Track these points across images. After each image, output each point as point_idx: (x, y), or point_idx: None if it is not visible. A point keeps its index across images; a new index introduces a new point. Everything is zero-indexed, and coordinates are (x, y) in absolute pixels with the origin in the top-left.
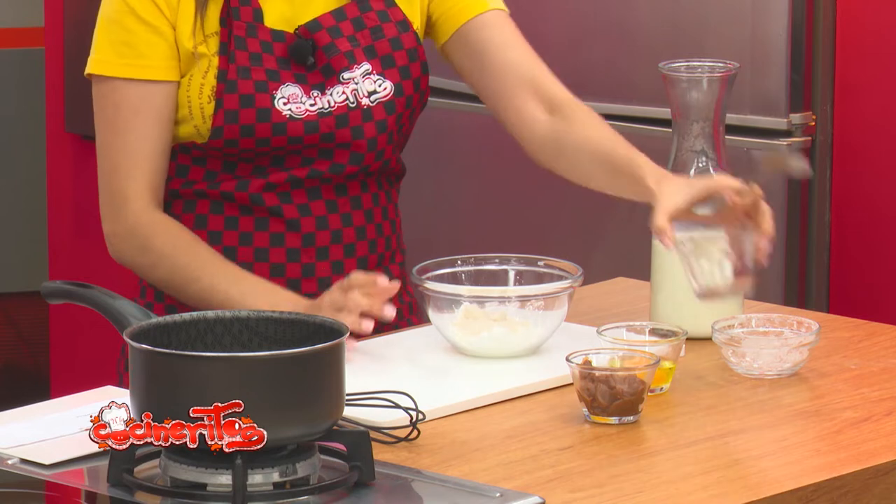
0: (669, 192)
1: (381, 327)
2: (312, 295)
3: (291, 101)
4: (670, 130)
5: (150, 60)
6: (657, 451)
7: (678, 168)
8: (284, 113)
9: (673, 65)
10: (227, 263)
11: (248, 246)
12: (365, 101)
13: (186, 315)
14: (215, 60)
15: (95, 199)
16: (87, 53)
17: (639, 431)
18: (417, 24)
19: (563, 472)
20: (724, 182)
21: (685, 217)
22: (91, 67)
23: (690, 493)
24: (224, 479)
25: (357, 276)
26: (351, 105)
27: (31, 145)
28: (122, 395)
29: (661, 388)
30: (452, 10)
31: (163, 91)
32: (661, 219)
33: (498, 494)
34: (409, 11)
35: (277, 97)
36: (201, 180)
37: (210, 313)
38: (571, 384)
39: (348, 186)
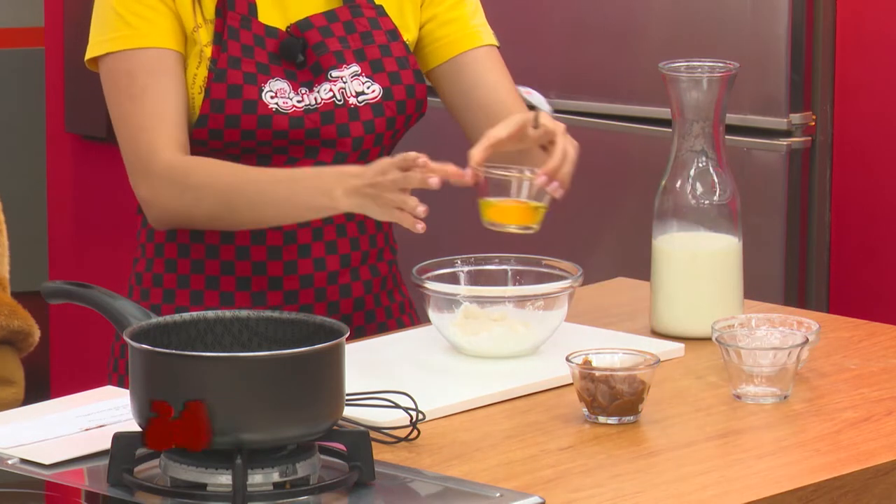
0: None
1: (380, 327)
2: (295, 293)
3: (279, 95)
4: (670, 130)
5: (159, 29)
6: (657, 451)
7: (678, 168)
8: (271, 106)
9: (673, 65)
10: (266, 169)
11: (229, 244)
12: (352, 101)
13: (186, 315)
14: (207, 51)
15: (95, 200)
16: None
17: (639, 431)
18: (410, 36)
19: (563, 472)
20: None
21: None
22: (96, 50)
23: (690, 493)
24: (224, 479)
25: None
26: (338, 102)
27: (31, 145)
28: (123, 395)
29: (529, 229)
30: (445, 39)
31: (173, 56)
32: (476, 149)
33: (498, 494)
34: (401, 23)
35: (265, 90)
36: None
37: (210, 313)
38: (571, 384)
39: None
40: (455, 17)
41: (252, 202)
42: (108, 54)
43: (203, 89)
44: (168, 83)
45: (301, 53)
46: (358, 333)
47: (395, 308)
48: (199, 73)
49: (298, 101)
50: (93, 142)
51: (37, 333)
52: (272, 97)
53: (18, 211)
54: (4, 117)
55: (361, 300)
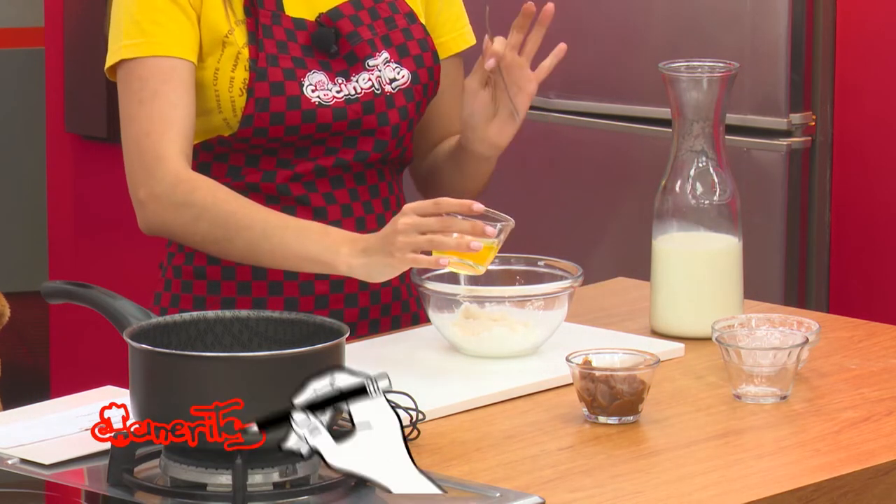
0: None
1: (414, 318)
2: (341, 282)
3: (319, 87)
4: (670, 130)
5: (176, 39)
6: (657, 451)
7: (678, 168)
8: (313, 100)
9: (673, 65)
10: (273, 211)
11: None
12: (388, 88)
13: (186, 315)
14: (245, 52)
15: (95, 200)
16: (88, 53)
17: (639, 431)
18: (423, 20)
19: (563, 472)
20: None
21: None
22: (117, 55)
23: (690, 493)
24: (224, 479)
25: (447, 199)
26: (376, 92)
27: (31, 145)
28: (123, 395)
29: (477, 267)
30: (438, 40)
31: (187, 67)
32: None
33: (498, 494)
34: (414, 5)
35: (305, 84)
36: (224, 176)
37: (210, 313)
38: (571, 384)
39: (367, 175)
40: (443, 21)
41: (254, 239)
42: (123, 61)
43: (244, 90)
44: (180, 93)
45: (334, 43)
46: (395, 324)
47: (413, 302)
48: (237, 75)
49: (338, 92)
50: (93, 142)
51: (7, 312)
52: (313, 90)
53: (18, 211)
54: (4, 117)
55: (398, 290)
